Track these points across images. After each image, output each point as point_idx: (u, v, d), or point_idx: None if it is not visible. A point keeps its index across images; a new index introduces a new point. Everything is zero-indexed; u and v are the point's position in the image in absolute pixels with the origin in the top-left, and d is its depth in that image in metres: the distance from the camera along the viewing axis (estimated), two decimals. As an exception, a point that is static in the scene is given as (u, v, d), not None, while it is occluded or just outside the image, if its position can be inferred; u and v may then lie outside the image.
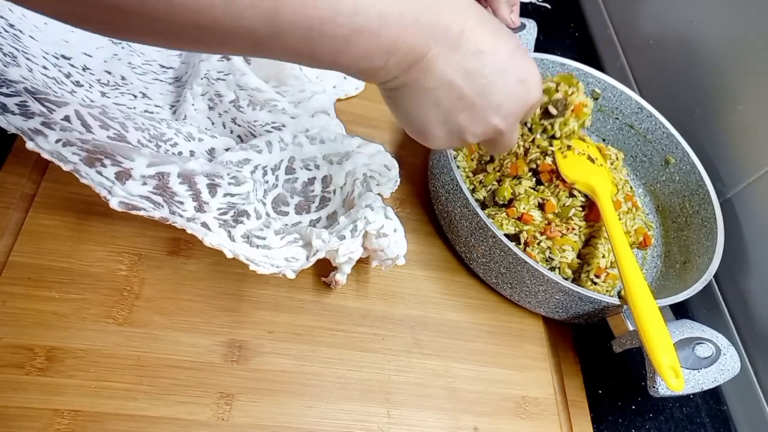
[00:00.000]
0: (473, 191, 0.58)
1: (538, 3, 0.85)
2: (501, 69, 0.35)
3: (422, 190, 0.60)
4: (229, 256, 0.42)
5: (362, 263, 0.51)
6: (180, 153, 0.49)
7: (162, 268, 0.46)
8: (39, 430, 0.38)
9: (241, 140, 0.54)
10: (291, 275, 0.44)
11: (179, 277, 0.46)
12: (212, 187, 0.45)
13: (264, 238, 0.45)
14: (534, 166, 0.58)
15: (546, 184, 0.57)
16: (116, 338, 0.42)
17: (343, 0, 0.29)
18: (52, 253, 0.44)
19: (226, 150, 0.50)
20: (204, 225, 0.43)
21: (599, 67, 0.77)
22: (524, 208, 0.55)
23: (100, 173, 0.42)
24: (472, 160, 0.60)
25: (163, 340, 0.43)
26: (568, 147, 0.58)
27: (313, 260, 0.45)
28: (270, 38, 0.29)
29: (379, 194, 0.52)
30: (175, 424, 0.40)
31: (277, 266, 0.44)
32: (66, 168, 0.40)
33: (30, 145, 0.40)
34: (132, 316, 0.43)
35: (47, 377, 0.39)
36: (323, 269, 0.50)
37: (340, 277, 0.46)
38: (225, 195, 0.46)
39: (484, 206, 0.57)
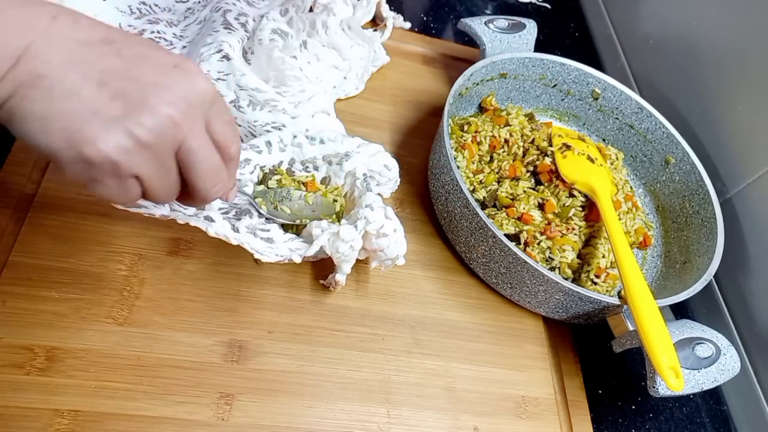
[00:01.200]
0: (473, 191, 0.58)
1: (538, 3, 0.85)
2: (142, 55, 0.29)
3: (422, 190, 0.60)
4: (234, 243, 0.42)
5: (362, 263, 0.51)
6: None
7: (162, 268, 0.46)
8: (39, 430, 0.38)
9: (241, 140, 0.54)
10: (297, 259, 0.44)
11: (179, 277, 0.46)
12: None
13: (268, 230, 0.45)
14: (531, 168, 0.58)
15: (546, 184, 0.57)
16: (116, 338, 0.42)
17: None
18: (51, 253, 0.44)
19: None
20: (207, 218, 0.44)
21: (599, 67, 0.77)
22: (524, 208, 0.55)
23: None
24: (473, 163, 0.60)
25: (163, 340, 0.43)
26: (568, 147, 0.58)
27: (316, 247, 0.44)
28: None
29: (379, 194, 0.52)
30: (175, 424, 0.40)
31: (281, 255, 0.44)
32: None
33: None
34: (132, 316, 0.43)
35: (47, 377, 0.39)
36: (322, 271, 0.50)
37: (340, 277, 0.46)
38: None
39: (484, 206, 0.57)
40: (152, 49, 0.30)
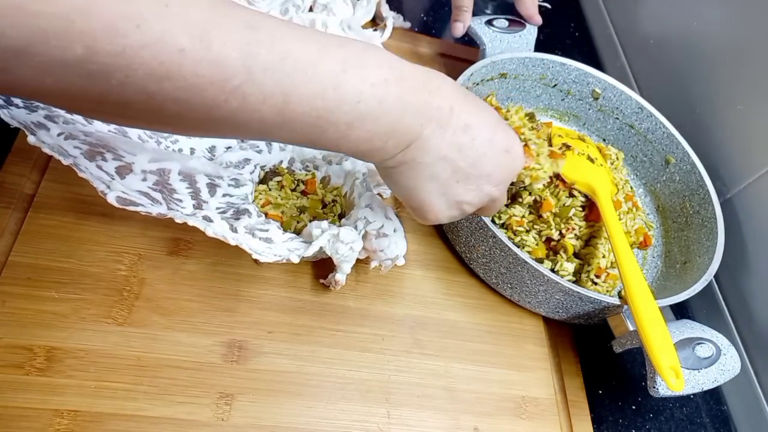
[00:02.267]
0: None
1: (538, 3, 0.85)
2: (488, 140, 0.38)
3: (422, 190, 0.60)
4: (232, 243, 0.42)
5: (362, 263, 0.51)
6: (180, 150, 0.49)
7: (162, 268, 0.46)
8: (39, 430, 0.38)
9: (242, 140, 0.54)
10: (295, 260, 0.44)
11: (179, 277, 0.46)
12: (212, 187, 0.45)
13: (266, 231, 0.45)
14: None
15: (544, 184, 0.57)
16: (116, 338, 0.42)
17: (347, 89, 0.31)
18: (51, 253, 0.44)
19: (227, 148, 0.50)
20: (205, 218, 0.44)
21: (599, 67, 0.77)
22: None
23: (100, 167, 0.41)
24: None
25: (163, 340, 0.43)
26: (567, 147, 0.58)
27: (315, 248, 0.44)
28: (279, 127, 0.31)
29: (379, 194, 0.52)
30: (175, 424, 0.40)
31: (279, 255, 0.44)
32: (66, 162, 0.40)
33: (32, 140, 0.40)
34: (132, 316, 0.43)
35: (47, 377, 0.39)
36: (322, 271, 0.50)
37: (340, 277, 0.46)
38: (224, 195, 0.46)
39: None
40: (495, 132, 0.38)
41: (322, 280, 0.49)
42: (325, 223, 0.46)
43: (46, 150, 0.40)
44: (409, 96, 0.33)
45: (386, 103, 0.32)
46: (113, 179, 0.41)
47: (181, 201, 0.44)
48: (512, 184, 0.48)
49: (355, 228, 0.46)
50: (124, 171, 0.42)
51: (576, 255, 0.55)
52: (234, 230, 0.44)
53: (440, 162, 0.36)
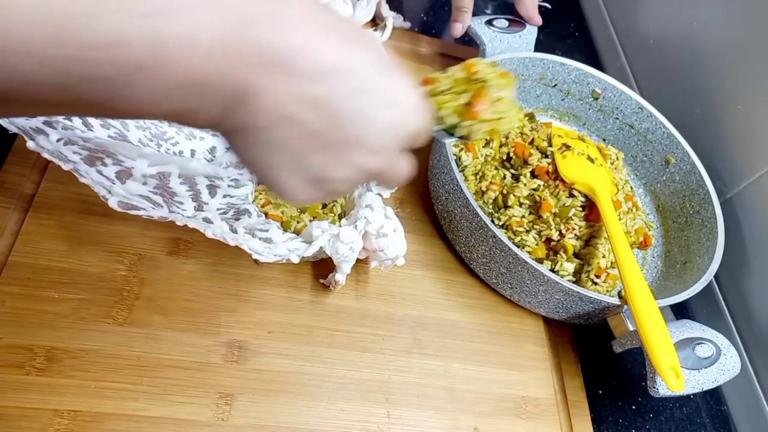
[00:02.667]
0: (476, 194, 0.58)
1: (538, 3, 0.85)
2: (357, 90, 0.27)
3: (422, 190, 0.60)
4: (232, 244, 0.42)
5: (362, 263, 0.51)
6: (181, 152, 0.49)
7: (162, 268, 0.46)
8: (39, 430, 0.38)
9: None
10: (295, 259, 0.44)
11: (179, 277, 0.46)
12: (212, 188, 0.45)
13: (266, 230, 0.45)
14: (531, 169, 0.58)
15: (544, 183, 0.57)
16: (116, 338, 0.42)
17: (98, 27, 0.20)
18: (51, 253, 0.44)
19: (227, 149, 0.50)
20: (205, 220, 0.44)
21: (599, 67, 0.77)
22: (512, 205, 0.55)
23: (100, 172, 0.41)
24: (477, 158, 0.60)
25: (163, 340, 0.43)
26: (567, 147, 0.58)
27: (315, 248, 0.44)
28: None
29: (379, 194, 0.51)
30: (175, 424, 0.40)
31: (279, 255, 0.44)
32: (66, 167, 0.40)
33: (31, 145, 0.40)
34: (132, 316, 0.43)
35: (47, 377, 0.39)
36: (322, 271, 0.50)
37: (340, 277, 0.46)
38: (224, 196, 0.46)
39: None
40: (373, 73, 0.27)
41: (322, 280, 0.49)
42: (325, 224, 0.46)
43: (46, 155, 0.40)
44: (216, 32, 0.23)
45: (172, 45, 0.22)
46: (114, 184, 0.41)
47: (182, 203, 0.44)
48: (463, 138, 0.38)
49: (355, 228, 0.46)
50: (124, 176, 0.42)
51: (576, 255, 0.55)
52: (234, 231, 0.44)
53: (283, 125, 0.26)
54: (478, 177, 0.58)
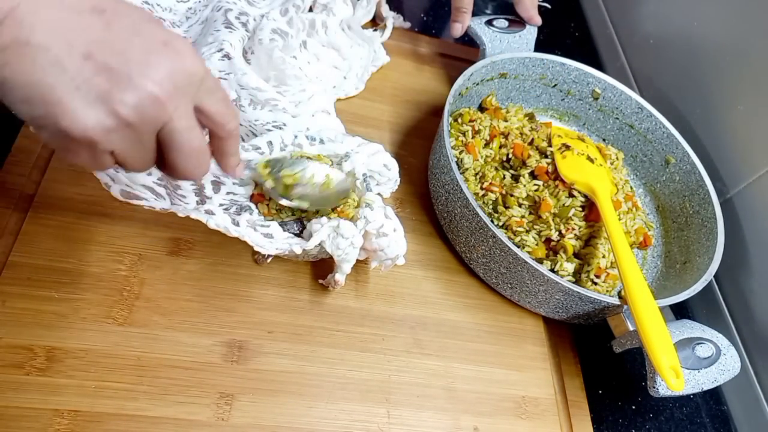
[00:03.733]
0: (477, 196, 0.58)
1: (538, 3, 0.85)
2: (132, 27, 0.28)
3: (422, 190, 0.60)
4: (233, 235, 0.42)
5: (362, 263, 0.51)
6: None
7: (162, 268, 0.46)
8: (39, 430, 0.38)
9: (243, 139, 0.54)
10: (298, 250, 0.44)
11: (179, 277, 0.46)
12: (216, 185, 0.46)
13: (267, 226, 0.45)
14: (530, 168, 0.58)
15: (543, 183, 0.57)
16: (116, 338, 0.42)
17: None
18: (51, 253, 0.44)
19: None
20: (208, 212, 0.44)
21: (599, 67, 0.77)
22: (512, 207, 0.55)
23: None
24: (478, 164, 0.59)
25: (163, 340, 0.43)
26: (567, 147, 0.58)
27: (316, 240, 0.44)
28: None
29: (378, 194, 0.51)
30: (175, 424, 0.40)
31: (281, 248, 0.44)
32: None
33: (33, 129, 0.40)
34: (132, 316, 0.43)
35: (47, 377, 0.39)
36: (322, 271, 0.50)
37: (339, 277, 0.46)
38: (228, 193, 0.46)
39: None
40: (144, 22, 0.29)
41: (321, 281, 0.49)
42: (324, 219, 0.46)
43: (50, 144, 0.40)
44: None
45: None
46: (118, 172, 0.41)
47: (184, 197, 0.44)
48: None
49: (356, 227, 0.46)
50: None
51: (576, 255, 0.55)
52: (236, 224, 0.44)
53: (61, 41, 0.26)
54: (478, 177, 0.58)
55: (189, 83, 0.30)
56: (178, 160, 0.31)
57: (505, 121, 0.62)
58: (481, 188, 0.57)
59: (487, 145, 0.60)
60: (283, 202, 0.45)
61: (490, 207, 0.57)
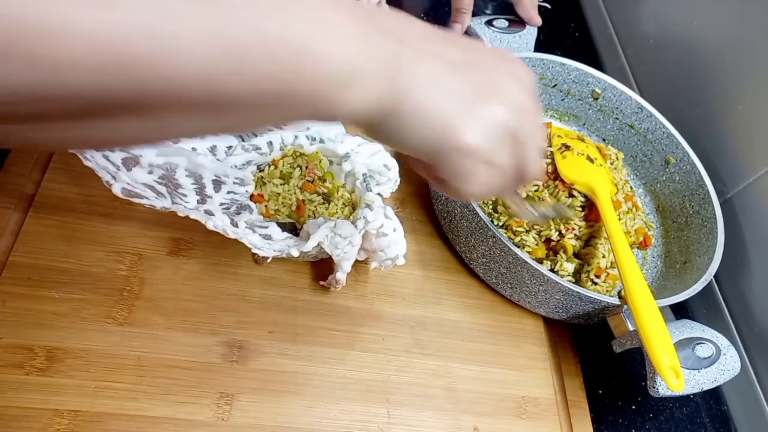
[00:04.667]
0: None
1: (538, 3, 0.85)
2: (477, 51, 0.31)
3: (422, 190, 0.60)
4: (231, 237, 0.42)
5: (362, 264, 0.51)
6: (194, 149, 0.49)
7: (162, 268, 0.46)
8: (39, 430, 0.38)
9: (243, 139, 0.54)
10: (295, 253, 0.44)
11: (179, 277, 0.46)
12: (217, 184, 0.46)
13: (266, 227, 0.45)
14: None
15: (542, 184, 0.57)
16: (116, 338, 0.42)
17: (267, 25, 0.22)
18: (51, 253, 0.44)
19: (228, 148, 0.50)
20: (207, 212, 0.44)
21: (599, 67, 0.77)
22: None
23: (106, 157, 0.41)
24: None
25: (163, 340, 0.43)
26: (567, 147, 0.58)
27: (314, 242, 0.44)
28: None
29: (378, 194, 0.51)
30: (175, 424, 0.40)
31: (278, 250, 0.44)
32: (71, 149, 0.40)
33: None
34: (132, 316, 0.43)
35: (47, 377, 0.39)
36: (322, 271, 0.50)
37: (340, 276, 0.46)
38: (228, 192, 0.46)
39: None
40: (479, 50, 0.31)
41: (322, 282, 0.49)
42: (321, 219, 0.46)
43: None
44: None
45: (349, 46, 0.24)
46: (119, 170, 0.41)
47: (185, 196, 0.44)
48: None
49: (355, 227, 0.46)
50: (130, 163, 0.42)
51: (576, 255, 0.55)
52: (235, 225, 0.44)
53: (446, 74, 0.28)
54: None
55: (534, 91, 0.32)
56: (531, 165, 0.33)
57: None
58: None
59: None
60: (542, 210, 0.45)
61: (490, 207, 0.57)
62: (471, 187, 0.31)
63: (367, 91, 0.25)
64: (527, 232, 0.55)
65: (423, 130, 0.28)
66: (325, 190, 0.51)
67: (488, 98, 0.29)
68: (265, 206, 0.49)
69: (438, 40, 0.29)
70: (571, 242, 0.54)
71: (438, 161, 0.29)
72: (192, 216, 0.42)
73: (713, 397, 0.59)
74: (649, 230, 0.63)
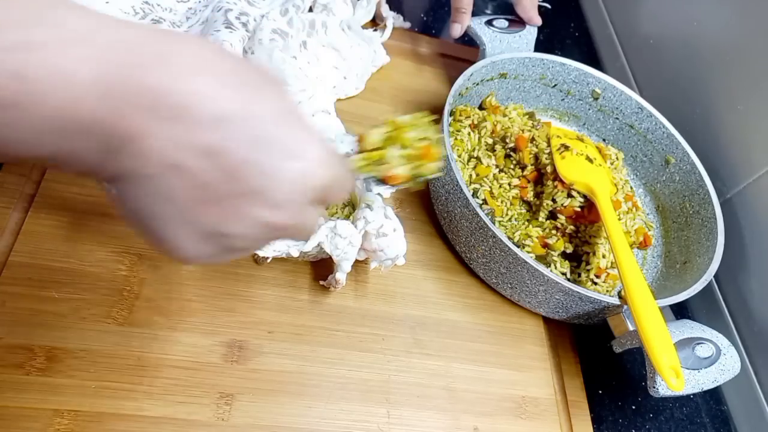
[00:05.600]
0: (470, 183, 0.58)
1: (538, 3, 0.85)
2: (257, 141, 0.25)
3: (422, 190, 0.60)
4: None
5: (362, 264, 0.51)
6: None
7: (162, 268, 0.46)
8: (39, 430, 0.38)
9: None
10: (295, 253, 0.44)
11: (179, 277, 0.46)
12: None
13: None
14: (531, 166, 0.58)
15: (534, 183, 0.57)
16: (116, 338, 0.42)
17: None
18: (51, 253, 0.44)
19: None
20: None
21: (599, 67, 0.77)
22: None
23: None
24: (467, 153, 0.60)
25: (163, 340, 0.43)
26: (566, 147, 0.58)
27: (314, 242, 0.44)
28: None
29: (378, 194, 0.51)
30: (175, 424, 0.40)
31: (278, 250, 0.44)
32: None
33: None
34: (132, 316, 0.43)
35: (47, 377, 0.39)
36: (322, 271, 0.50)
37: (340, 276, 0.46)
38: None
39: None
40: (271, 125, 0.25)
41: (322, 282, 0.49)
42: (321, 219, 0.46)
43: None
44: (105, 69, 0.21)
45: (54, 79, 0.21)
46: None
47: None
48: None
49: (355, 227, 0.46)
50: None
51: (576, 255, 0.55)
52: None
53: (171, 174, 0.24)
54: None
55: (315, 196, 0.28)
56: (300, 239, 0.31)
57: (504, 116, 0.63)
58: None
59: (493, 151, 0.60)
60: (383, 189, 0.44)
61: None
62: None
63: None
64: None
65: (136, 223, 0.26)
66: None
67: (222, 220, 0.25)
68: None
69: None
70: (560, 242, 0.54)
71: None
72: None
73: (713, 397, 0.59)
74: (649, 230, 0.63)
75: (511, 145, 0.59)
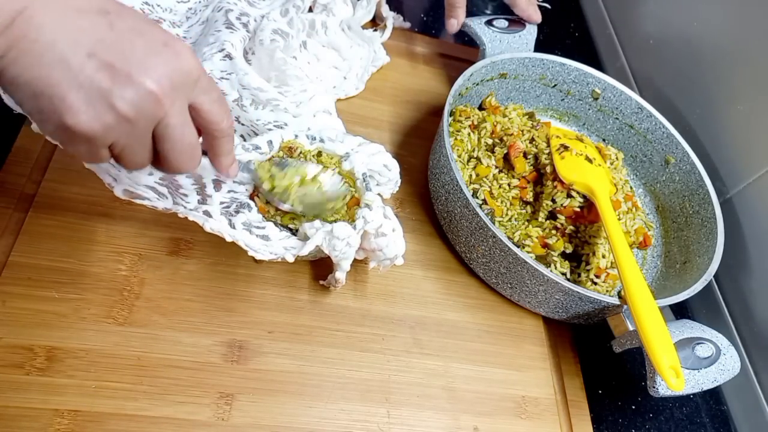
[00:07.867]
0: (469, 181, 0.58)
1: (538, 3, 0.85)
2: (135, 29, 0.30)
3: (422, 190, 0.60)
4: (228, 240, 0.42)
5: (361, 263, 0.51)
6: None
7: (162, 268, 0.46)
8: (39, 430, 0.38)
9: (244, 138, 0.54)
10: (290, 258, 0.44)
11: (179, 277, 0.46)
12: (217, 183, 0.46)
13: (263, 228, 0.45)
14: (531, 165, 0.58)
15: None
16: (116, 338, 0.42)
17: None
18: (52, 253, 0.44)
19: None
20: (206, 213, 0.44)
21: (599, 67, 0.77)
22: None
23: None
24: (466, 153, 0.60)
25: (163, 340, 0.43)
26: (566, 148, 0.58)
27: (311, 246, 0.44)
28: None
29: (379, 194, 0.51)
30: (175, 424, 0.40)
31: (275, 253, 0.44)
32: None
33: (35, 127, 0.40)
34: (132, 316, 0.43)
35: (47, 377, 0.39)
36: (321, 271, 0.50)
37: (340, 276, 0.46)
38: (229, 191, 0.46)
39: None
40: (144, 24, 0.30)
41: (321, 281, 0.49)
42: (318, 222, 0.46)
43: (50, 138, 0.40)
44: None
45: None
46: (120, 172, 0.42)
47: (186, 196, 0.44)
48: None
49: (354, 227, 0.46)
50: None
51: (576, 255, 0.55)
52: (232, 226, 0.44)
53: (66, 39, 0.28)
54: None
55: (185, 82, 0.31)
56: (171, 155, 0.33)
57: (504, 116, 0.63)
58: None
59: (492, 152, 0.60)
60: (280, 205, 0.45)
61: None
62: (76, 155, 0.31)
63: None
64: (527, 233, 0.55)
65: (31, 98, 0.28)
66: None
67: (114, 83, 0.29)
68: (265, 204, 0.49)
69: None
70: (560, 242, 0.54)
71: (41, 128, 0.30)
72: (190, 218, 0.42)
73: (713, 397, 0.59)
74: (649, 230, 0.63)
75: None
